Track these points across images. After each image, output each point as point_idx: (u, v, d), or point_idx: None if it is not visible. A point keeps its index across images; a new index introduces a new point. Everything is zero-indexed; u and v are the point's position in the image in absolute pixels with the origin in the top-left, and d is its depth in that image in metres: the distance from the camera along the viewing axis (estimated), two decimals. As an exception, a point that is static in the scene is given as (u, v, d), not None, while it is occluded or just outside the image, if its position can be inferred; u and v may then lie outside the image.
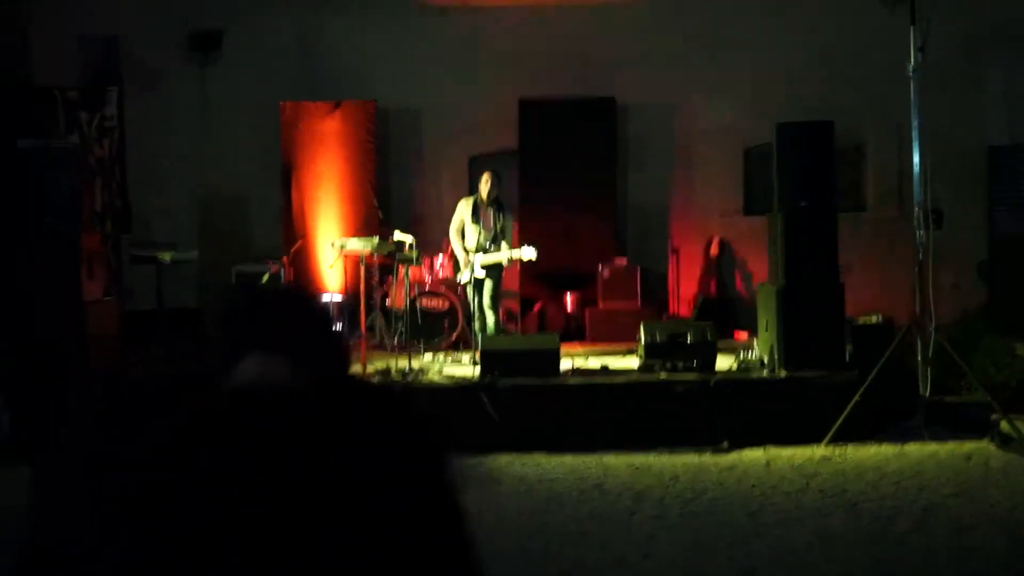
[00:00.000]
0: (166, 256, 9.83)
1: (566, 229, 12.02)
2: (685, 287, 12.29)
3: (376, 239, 9.45)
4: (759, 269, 11.10)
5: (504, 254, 9.67)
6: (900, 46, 8.81)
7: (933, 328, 8.37)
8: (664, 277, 12.26)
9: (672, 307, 12.07)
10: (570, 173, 12.13)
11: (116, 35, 12.40)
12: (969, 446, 8.13)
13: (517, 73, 12.16)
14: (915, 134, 8.90)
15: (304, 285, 11.35)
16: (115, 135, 12.21)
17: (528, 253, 9.55)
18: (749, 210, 12.51)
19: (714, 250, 12.43)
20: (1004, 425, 8.22)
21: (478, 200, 9.83)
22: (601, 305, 11.45)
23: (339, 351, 1.27)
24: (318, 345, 1.17)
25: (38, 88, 12.24)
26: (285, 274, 11.10)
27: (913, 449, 8.10)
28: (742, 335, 11.13)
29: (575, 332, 11.50)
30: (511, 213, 10.15)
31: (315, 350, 1.16)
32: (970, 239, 12.30)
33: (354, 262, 10.01)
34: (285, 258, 11.19)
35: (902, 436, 8.36)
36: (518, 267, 11.65)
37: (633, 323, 9.45)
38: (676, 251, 12.20)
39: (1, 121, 11.69)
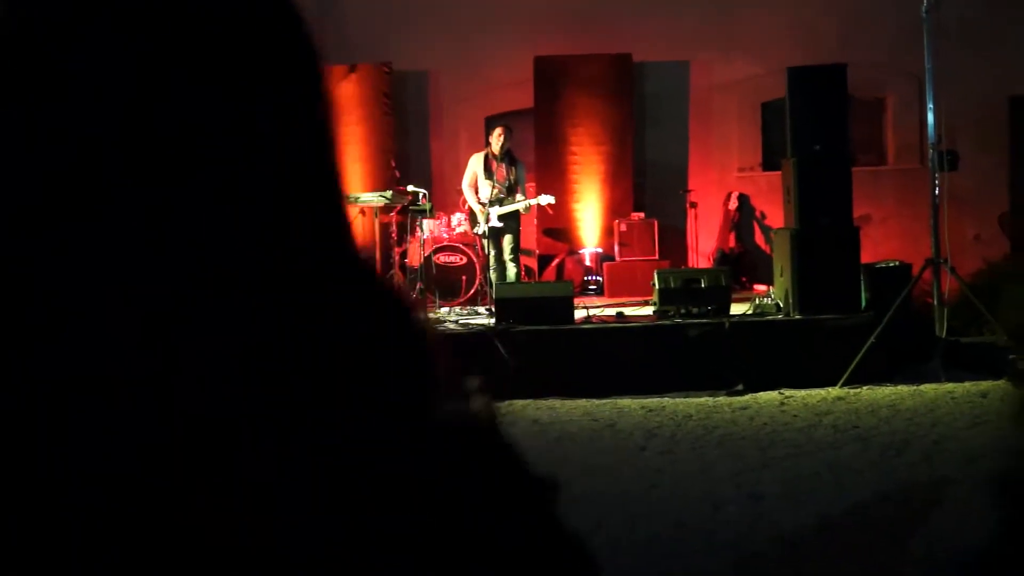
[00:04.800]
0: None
1: (583, 186, 12.05)
2: (704, 242, 12.27)
3: (390, 192, 9.54)
4: (779, 223, 11.08)
5: (522, 203, 9.77)
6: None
7: (948, 265, 8.34)
8: (683, 232, 12.26)
9: (691, 262, 12.06)
10: (587, 130, 12.15)
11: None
12: (986, 385, 8.10)
13: (531, 31, 12.16)
14: (928, 76, 8.87)
15: None
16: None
17: (546, 199, 9.66)
18: (768, 165, 12.47)
19: (732, 205, 12.40)
20: (1022, 364, 8.18)
21: (489, 154, 9.89)
22: (619, 259, 11.48)
23: None
24: None
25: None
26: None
27: (929, 389, 8.08)
28: (761, 289, 11.10)
29: (594, 287, 11.54)
30: (523, 166, 10.21)
31: None
32: (991, 191, 12.20)
33: (372, 222, 10.10)
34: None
35: (919, 378, 8.34)
36: (535, 224, 11.69)
37: (651, 277, 9.47)
38: (694, 206, 12.19)
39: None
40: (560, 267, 11.94)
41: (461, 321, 9.17)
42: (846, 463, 6.10)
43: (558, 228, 11.90)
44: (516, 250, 9.95)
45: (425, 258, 10.16)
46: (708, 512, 5.21)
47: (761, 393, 8.12)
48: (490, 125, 12.31)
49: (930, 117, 8.87)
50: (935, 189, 8.61)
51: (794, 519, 5.06)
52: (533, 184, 11.37)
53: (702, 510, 5.24)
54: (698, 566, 4.49)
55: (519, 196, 9.86)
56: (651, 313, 9.02)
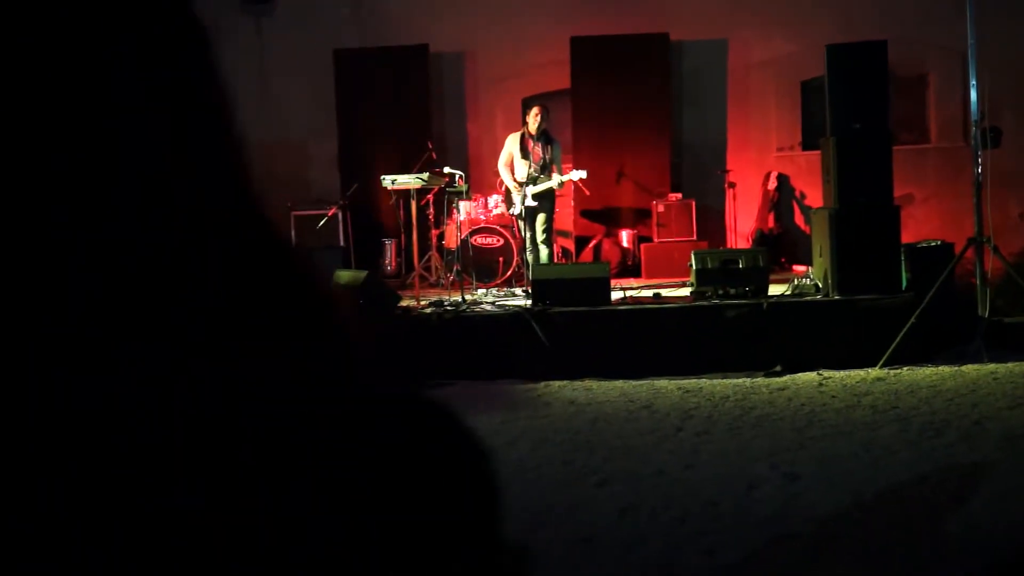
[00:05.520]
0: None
1: (620, 166, 12.01)
2: (742, 222, 12.19)
3: (427, 174, 9.56)
4: (819, 203, 10.97)
5: (555, 179, 9.77)
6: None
7: (992, 244, 8.22)
8: (721, 213, 12.18)
9: (730, 242, 11.99)
10: (623, 111, 12.09)
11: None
12: (1029, 365, 8.00)
13: (568, 11, 12.11)
14: (971, 52, 8.73)
15: None
16: (175, 87, 12.45)
17: (578, 174, 9.66)
18: (807, 144, 12.35)
19: (771, 185, 12.30)
20: (1066, 344, 8.07)
21: (526, 134, 9.88)
22: (656, 240, 11.43)
23: None
24: None
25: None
26: (343, 217, 11.28)
27: (971, 369, 7.99)
28: (800, 269, 11.02)
29: (632, 268, 11.51)
30: (559, 145, 10.19)
31: None
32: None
33: (410, 204, 10.12)
34: (343, 201, 11.35)
35: (961, 358, 8.26)
36: (572, 205, 11.67)
37: (689, 258, 9.42)
38: (733, 186, 12.10)
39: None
40: (597, 248, 11.92)
41: (498, 302, 9.18)
42: (884, 444, 6.06)
43: (595, 209, 11.87)
44: (549, 231, 9.94)
45: (462, 240, 10.19)
46: (743, 492, 5.20)
47: (799, 374, 8.07)
48: (527, 106, 12.29)
49: (973, 94, 8.73)
50: (978, 167, 8.48)
51: (830, 500, 5.03)
52: (570, 164, 11.34)
53: (737, 490, 5.22)
54: (732, 545, 4.48)
55: (555, 175, 9.85)
56: (688, 294, 8.98)
